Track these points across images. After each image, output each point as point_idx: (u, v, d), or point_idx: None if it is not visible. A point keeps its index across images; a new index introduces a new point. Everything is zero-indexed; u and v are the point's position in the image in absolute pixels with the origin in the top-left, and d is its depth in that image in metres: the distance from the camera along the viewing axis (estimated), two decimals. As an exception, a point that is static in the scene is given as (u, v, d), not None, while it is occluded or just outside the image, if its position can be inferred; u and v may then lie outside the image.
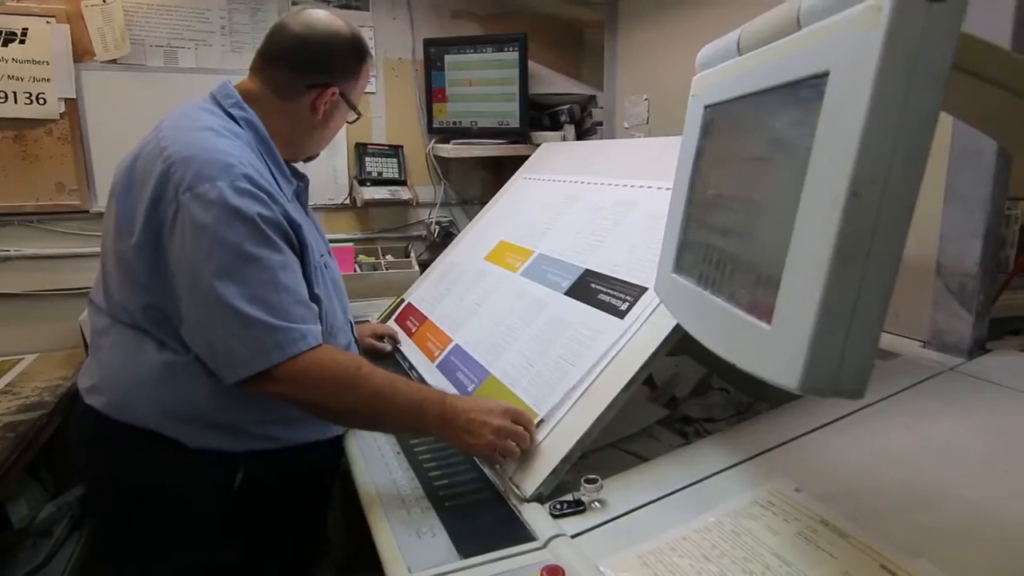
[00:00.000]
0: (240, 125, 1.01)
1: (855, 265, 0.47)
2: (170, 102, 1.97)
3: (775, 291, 0.55)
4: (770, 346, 0.54)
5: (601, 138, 2.15)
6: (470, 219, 2.35)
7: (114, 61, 1.88)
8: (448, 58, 2.12)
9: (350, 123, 1.18)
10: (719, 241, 0.70)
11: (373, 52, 2.28)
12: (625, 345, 0.96)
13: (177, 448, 0.96)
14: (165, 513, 0.99)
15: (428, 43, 2.15)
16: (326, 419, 0.98)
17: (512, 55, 2.02)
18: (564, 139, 2.13)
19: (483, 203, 1.93)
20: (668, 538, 0.77)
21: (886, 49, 0.45)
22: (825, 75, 0.52)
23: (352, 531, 1.31)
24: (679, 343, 0.93)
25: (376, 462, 1.02)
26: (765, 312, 0.56)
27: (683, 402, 1.40)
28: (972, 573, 0.65)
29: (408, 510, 0.88)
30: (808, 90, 0.55)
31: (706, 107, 0.78)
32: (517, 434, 0.91)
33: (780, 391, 1.31)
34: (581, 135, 2.23)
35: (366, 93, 2.25)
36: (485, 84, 2.09)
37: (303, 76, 1.04)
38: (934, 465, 0.84)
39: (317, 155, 1.18)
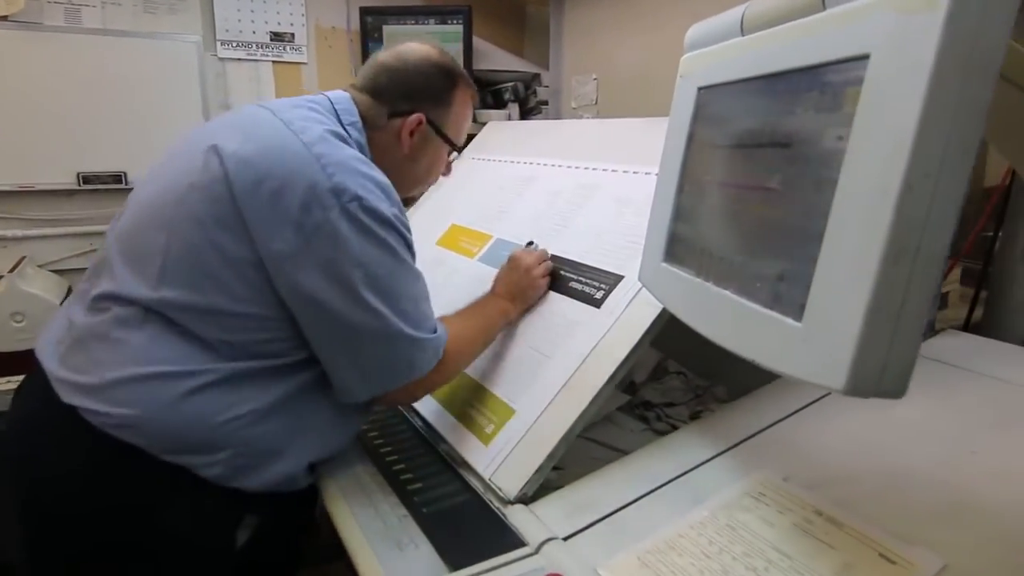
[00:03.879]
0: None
1: (905, 262, 0.45)
2: (72, 67, 1.79)
3: (805, 287, 0.52)
4: (801, 344, 0.52)
5: (546, 118, 2.11)
6: (410, 200, 2.26)
7: (5, 18, 1.66)
8: (387, 28, 2.00)
9: (450, 161, 1.09)
10: (723, 231, 0.67)
11: (304, 19, 2.15)
12: (605, 335, 0.93)
13: (185, 482, 0.80)
14: (147, 562, 0.82)
15: (365, 12, 2.02)
16: None
17: (456, 28, 1.94)
18: (509, 118, 2.07)
19: (427, 183, 1.85)
20: (664, 536, 0.75)
21: (946, 34, 0.42)
22: (864, 58, 0.49)
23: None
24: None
25: (338, 465, 0.94)
26: (792, 309, 0.54)
27: (642, 387, 1.40)
28: (964, 557, 0.66)
29: (384, 520, 0.82)
30: (838, 74, 0.52)
31: (700, 89, 0.75)
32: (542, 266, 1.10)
33: (736, 374, 1.32)
34: (525, 114, 2.17)
35: (295, 63, 2.12)
36: (427, 58, 1.99)
37: (386, 104, 0.97)
38: (907, 448, 0.86)
39: (413, 199, 1.08)
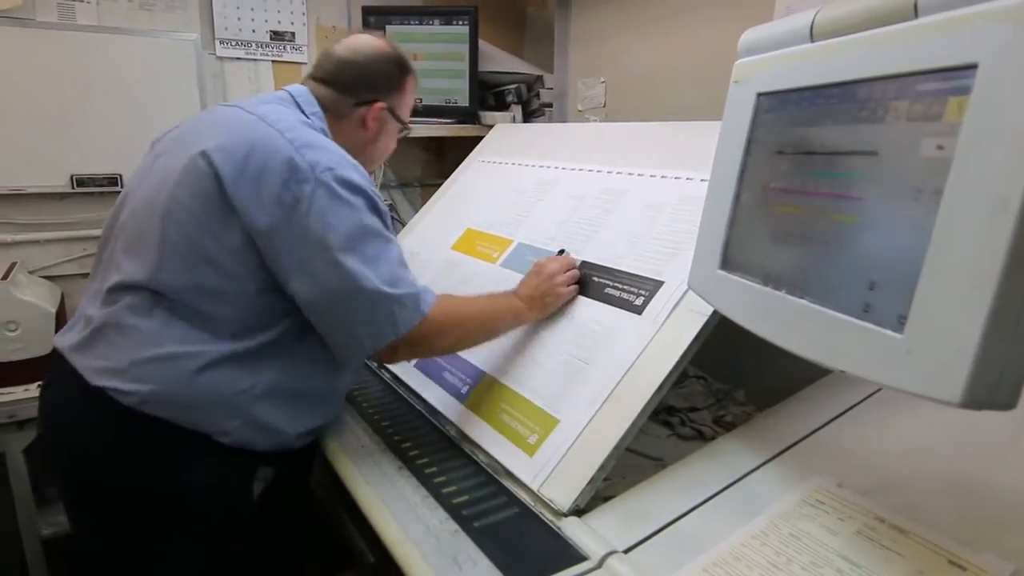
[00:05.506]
0: None
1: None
2: (65, 65, 1.73)
3: (905, 297, 0.52)
4: (904, 356, 0.51)
5: (550, 121, 2.09)
6: (410, 202, 2.23)
7: (-5, 14, 1.59)
8: (390, 28, 1.97)
9: (400, 138, 1.21)
10: (796, 240, 0.67)
11: (304, 17, 2.10)
12: (650, 342, 0.92)
13: (204, 446, 0.91)
14: (177, 517, 0.92)
15: (367, 11, 1.98)
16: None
17: (462, 29, 1.91)
18: (513, 120, 2.05)
19: (424, 185, 1.82)
20: (728, 547, 0.74)
21: (1073, 44, 0.42)
22: (970, 68, 0.48)
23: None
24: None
25: (378, 479, 0.92)
26: (888, 319, 0.53)
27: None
28: (1032, 563, 0.67)
29: (436, 536, 0.79)
30: (936, 82, 0.52)
31: (760, 95, 0.74)
32: (568, 275, 1.11)
33: (757, 378, 1.31)
34: (527, 117, 2.15)
35: (296, 63, 2.08)
36: (431, 59, 1.97)
37: (350, 95, 1.08)
38: (954, 451, 0.86)
39: (371, 172, 1.15)
